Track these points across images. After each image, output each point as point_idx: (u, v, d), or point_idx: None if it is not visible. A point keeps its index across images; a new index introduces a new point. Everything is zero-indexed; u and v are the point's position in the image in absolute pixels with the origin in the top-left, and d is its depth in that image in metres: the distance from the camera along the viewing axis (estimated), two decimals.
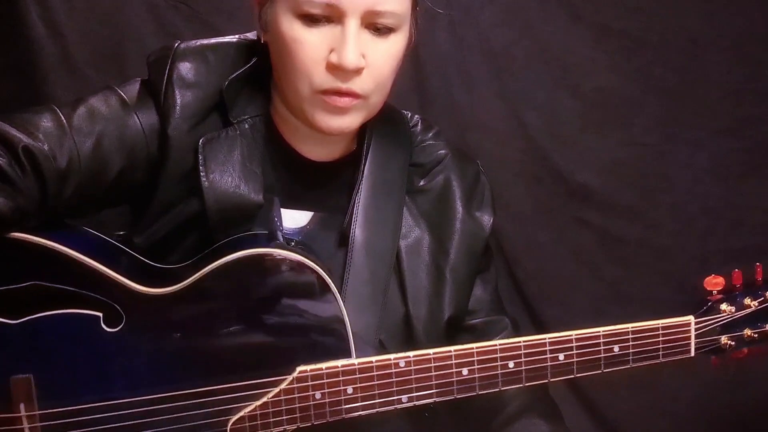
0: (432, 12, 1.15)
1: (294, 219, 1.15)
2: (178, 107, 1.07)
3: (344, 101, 1.04)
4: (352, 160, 1.18)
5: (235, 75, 1.10)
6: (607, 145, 1.90)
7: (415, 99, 1.84)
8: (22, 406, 0.97)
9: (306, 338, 1.02)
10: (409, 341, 1.14)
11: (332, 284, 1.02)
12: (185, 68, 1.09)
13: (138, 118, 1.08)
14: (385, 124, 1.19)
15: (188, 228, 1.10)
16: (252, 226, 1.09)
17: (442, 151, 1.24)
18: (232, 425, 1.01)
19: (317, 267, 1.02)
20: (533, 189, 1.92)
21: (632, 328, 1.09)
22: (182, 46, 1.12)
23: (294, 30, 1.02)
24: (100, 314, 0.99)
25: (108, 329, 0.99)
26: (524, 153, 1.91)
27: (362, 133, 1.18)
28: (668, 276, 1.90)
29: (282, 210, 1.13)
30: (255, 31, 1.15)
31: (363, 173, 1.16)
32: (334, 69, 1.01)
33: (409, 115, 1.26)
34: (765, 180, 1.88)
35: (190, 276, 1.00)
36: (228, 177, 1.08)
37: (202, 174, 1.07)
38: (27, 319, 0.97)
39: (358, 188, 1.16)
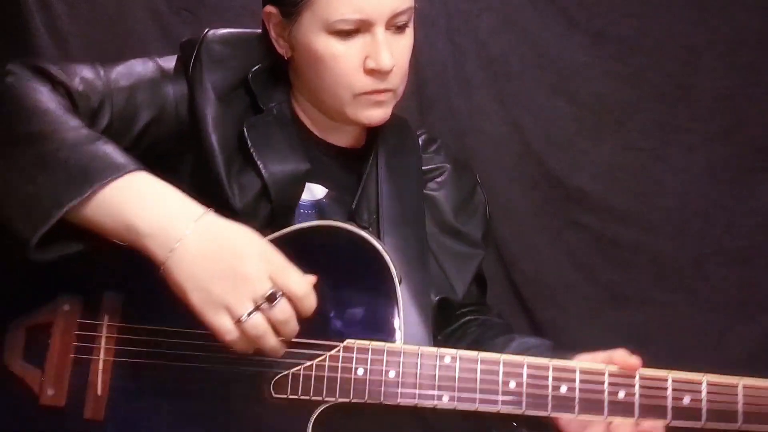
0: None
1: (311, 191, 1.25)
2: (205, 81, 1.20)
3: (383, 96, 1.20)
4: (364, 152, 1.31)
5: (259, 67, 1.25)
6: (602, 150, 1.91)
7: (414, 104, 1.85)
8: (106, 317, 1.08)
9: (362, 317, 1.06)
10: None
11: (396, 273, 1.07)
12: (213, 50, 1.23)
13: (170, 85, 1.22)
14: (387, 123, 1.28)
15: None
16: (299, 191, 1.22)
17: (442, 165, 1.37)
18: (276, 380, 1.03)
19: (385, 254, 1.07)
20: (530, 193, 1.93)
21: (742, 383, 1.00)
22: (211, 32, 1.25)
23: (331, 46, 1.16)
24: None
25: None
26: (521, 157, 1.92)
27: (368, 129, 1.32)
28: (664, 278, 1.91)
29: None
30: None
31: (376, 160, 1.29)
32: (373, 72, 1.17)
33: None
34: (759, 183, 1.88)
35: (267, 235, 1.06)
36: (275, 153, 1.20)
37: (254, 153, 1.18)
38: None
39: (369, 173, 1.28)
